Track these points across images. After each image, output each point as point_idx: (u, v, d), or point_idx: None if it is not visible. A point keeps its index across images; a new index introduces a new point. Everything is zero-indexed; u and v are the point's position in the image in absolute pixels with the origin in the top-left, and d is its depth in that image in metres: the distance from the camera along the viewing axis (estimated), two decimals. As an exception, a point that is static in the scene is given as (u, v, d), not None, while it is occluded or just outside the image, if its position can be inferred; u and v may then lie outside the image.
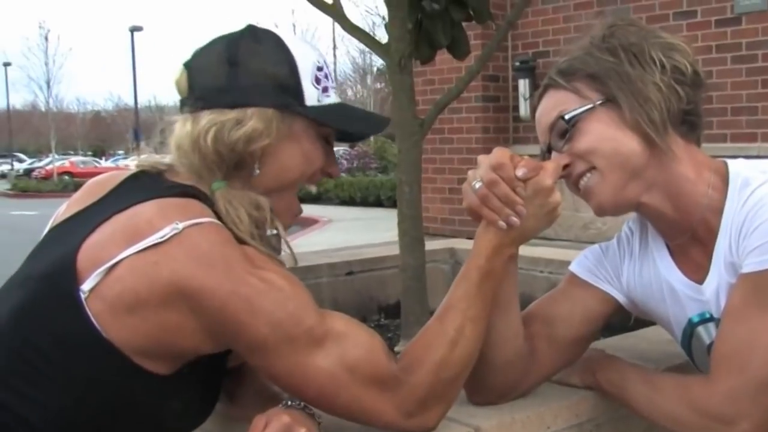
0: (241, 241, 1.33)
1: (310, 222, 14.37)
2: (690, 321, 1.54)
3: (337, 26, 2.94)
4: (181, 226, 1.25)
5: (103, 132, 70.87)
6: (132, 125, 47.33)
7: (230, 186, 1.38)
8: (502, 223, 1.39)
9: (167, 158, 1.44)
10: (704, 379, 1.43)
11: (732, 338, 1.38)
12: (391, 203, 14.66)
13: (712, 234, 1.45)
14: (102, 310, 1.24)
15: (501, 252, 1.43)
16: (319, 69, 1.44)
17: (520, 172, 1.38)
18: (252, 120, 1.37)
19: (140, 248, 1.24)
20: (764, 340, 1.34)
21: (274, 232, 1.43)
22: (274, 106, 1.39)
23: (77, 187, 1.61)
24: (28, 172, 45.04)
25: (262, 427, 1.28)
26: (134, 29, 42.09)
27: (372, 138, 21.35)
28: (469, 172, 1.42)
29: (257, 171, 1.40)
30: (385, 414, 1.35)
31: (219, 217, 1.34)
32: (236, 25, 1.47)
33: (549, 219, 1.44)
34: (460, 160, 8.21)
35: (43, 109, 48.06)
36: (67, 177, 36.43)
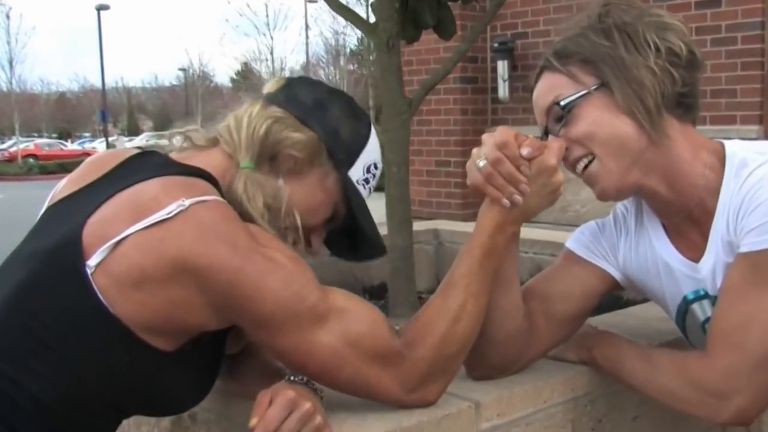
0: (246, 220, 1.37)
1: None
2: (685, 298, 1.59)
3: (310, 7, 2.96)
4: (187, 203, 1.28)
5: (68, 113, 70.17)
6: (99, 106, 46.89)
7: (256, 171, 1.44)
8: (506, 201, 1.44)
9: (198, 136, 1.51)
10: (701, 354, 1.47)
11: (730, 315, 1.43)
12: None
13: (708, 214, 1.49)
14: (108, 285, 1.27)
15: (504, 230, 1.47)
16: (375, 167, 1.56)
17: (524, 151, 1.43)
18: (305, 137, 1.47)
19: (146, 224, 1.27)
20: (761, 318, 1.39)
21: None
22: (327, 147, 1.49)
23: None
24: (-10, 154, 44.51)
25: (267, 403, 1.31)
26: (101, 8, 41.55)
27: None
28: (473, 150, 1.46)
29: (280, 181, 1.46)
30: (387, 388, 1.40)
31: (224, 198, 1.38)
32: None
33: (551, 198, 1.49)
34: (438, 142, 8.25)
35: (5, 89, 47.43)
36: (31, 160, 36.09)
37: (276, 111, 1.48)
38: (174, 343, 1.35)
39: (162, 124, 60.49)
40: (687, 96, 1.49)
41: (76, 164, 1.57)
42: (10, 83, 42.74)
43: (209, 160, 1.44)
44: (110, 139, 44.69)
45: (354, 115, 1.56)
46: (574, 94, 1.47)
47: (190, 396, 1.47)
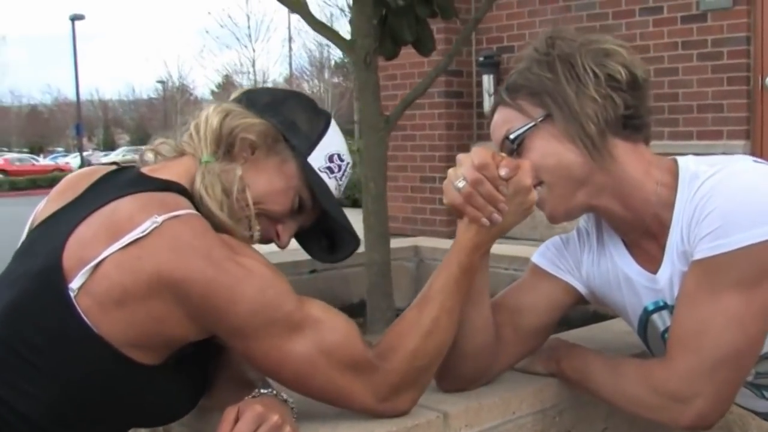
0: (219, 230, 1.47)
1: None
2: (645, 309, 1.69)
3: (293, 18, 3.06)
4: (160, 219, 1.38)
5: (40, 127, 69.90)
6: (73, 120, 46.75)
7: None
8: (485, 220, 1.54)
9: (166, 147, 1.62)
10: (662, 361, 1.57)
11: (687, 321, 1.52)
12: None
13: (664, 228, 1.59)
14: (91, 306, 1.36)
15: (480, 248, 1.58)
16: (340, 158, 1.68)
17: (503, 172, 1.53)
18: (257, 121, 1.59)
19: (123, 244, 1.37)
20: (716, 322, 1.48)
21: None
22: (283, 133, 1.61)
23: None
24: (-40, 170, 44.31)
25: (233, 418, 1.38)
26: (75, 18, 41.63)
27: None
28: (450, 171, 1.55)
29: (239, 171, 1.55)
30: (359, 397, 1.49)
31: (198, 209, 1.48)
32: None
33: (525, 215, 1.60)
34: (422, 158, 8.33)
35: (-25, 102, 47.29)
36: (1, 175, 35.91)
37: (229, 105, 1.62)
38: (158, 357, 1.45)
39: (139, 138, 60.40)
40: (633, 117, 1.59)
41: (48, 180, 1.69)
42: (-20, 96, 42.63)
43: (178, 169, 1.55)
44: (85, 154, 44.54)
45: (311, 109, 1.69)
46: (522, 127, 1.60)
47: (178, 406, 1.57)
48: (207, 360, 1.59)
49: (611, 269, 1.73)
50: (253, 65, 38.58)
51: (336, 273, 3.71)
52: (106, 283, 1.36)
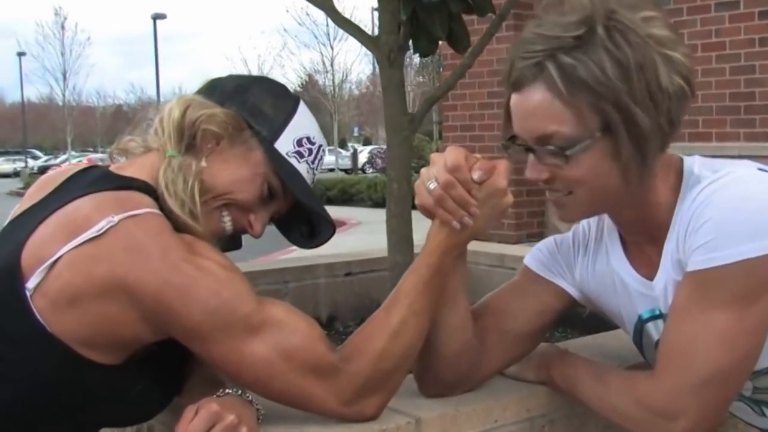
0: (180, 229, 1.50)
1: (337, 224, 14.44)
2: (640, 317, 1.66)
3: (376, 15, 3.08)
4: (116, 218, 1.41)
5: (125, 127, 71.41)
6: (155, 120, 47.62)
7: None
8: (456, 224, 1.53)
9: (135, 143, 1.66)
10: (649, 375, 1.54)
11: (676, 336, 1.49)
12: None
13: (663, 231, 1.56)
14: (45, 306, 1.40)
15: (452, 250, 1.57)
16: (310, 141, 1.68)
17: (476, 175, 1.52)
18: (218, 110, 1.60)
19: (78, 243, 1.40)
20: (705, 338, 1.45)
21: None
22: (246, 119, 1.62)
23: None
24: (42, 170, 45.65)
25: (191, 417, 1.41)
26: (157, 17, 42.65)
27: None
28: (422, 171, 1.54)
29: (204, 163, 1.58)
30: (322, 401, 1.50)
31: (161, 207, 1.51)
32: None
33: (500, 218, 1.60)
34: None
35: (59, 102, 48.84)
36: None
37: (189, 96, 1.63)
38: (116, 357, 1.48)
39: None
40: (676, 131, 1.50)
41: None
42: (64, 96, 43.99)
43: (144, 164, 1.58)
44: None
45: (279, 93, 1.70)
46: (578, 141, 1.43)
47: (145, 406, 1.60)
48: (178, 359, 1.61)
49: (606, 272, 1.70)
50: (332, 64, 38.80)
51: (372, 275, 3.73)
52: (59, 282, 1.40)
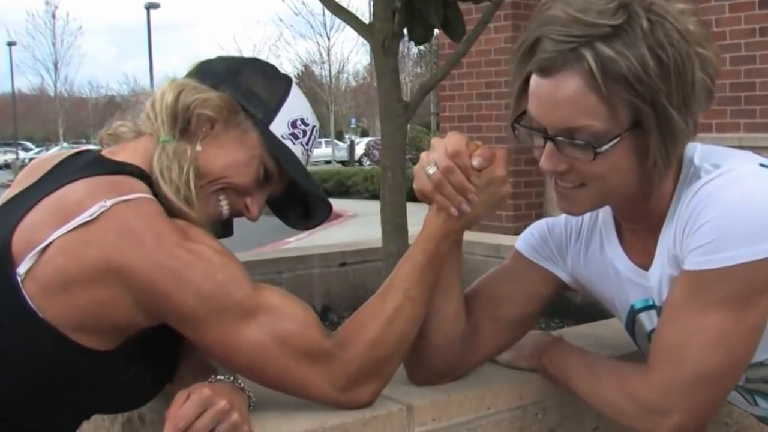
0: (174, 215, 1.51)
1: (333, 216, 14.47)
2: (632, 307, 1.66)
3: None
4: (109, 203, 1.42)
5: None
6: (148, 110, 47.52)
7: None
8: (453, 210, 1.54)
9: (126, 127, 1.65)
10: (641, 369, 1.54)
11: (670, 332, 1.49)
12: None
13: (660, 221, 1.55)
14: (36, 291, 1.41)
15: (449, 237, 1.58)
16: (303, 122, 1.69)
17: (476, 162, 1.52)
18: (213, 95, 1.60)
19: (70, 228, 1.41)
20: (700, 338, 1.45)
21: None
22: (239, 102, 1.63)
23: None
24: (34, 162, 45.41)
25: (182, 401, 1.42)
26: (150, 6, 42.56)
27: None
28: (422, 155, 1.55)
29: (199, 147, 1.59)
30: (316, 387, 1.51)
31: (155, 192, 1.52)
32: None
33: (497, 206, 1.60)
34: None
35: (51, 93, 48.78)
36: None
37: (182, 81, 1.64)
38: (109, 343, 1.48)
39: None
40: (697, 130, 1.47)
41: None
42: (55, 86, 43.90)
43: (137, 149, 1.58)
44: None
45: (270, 75, 1.71)
46: (609, 137, 1.39)
47: (137, 393, 1.61)
48: (170, 345, 1.63)
49: (600, 259, 1.70)
50: (329, 54, 38.75)
51: (367, 266, 3.73)
52: (51, 267, 1.40)
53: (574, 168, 1.45)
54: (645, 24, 1.34)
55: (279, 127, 1.66)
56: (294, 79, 1.75)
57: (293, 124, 1.67)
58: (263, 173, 1.65)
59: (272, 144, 1.64)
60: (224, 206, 1.64)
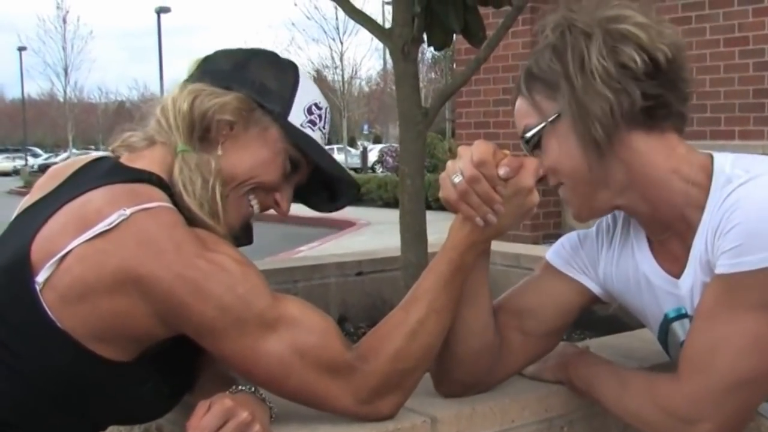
0: (194, 224, 1.51)
1: (346, 224, 14.54)
2: (666, 316, 1.66)
3: (387, 8, 3.08)
4: (128, 212, 1.42)
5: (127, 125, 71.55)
6: (158, 117, 47.71)
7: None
8: (479, 220, 1.53)
9: (138, 136, 1.64)
10: (671, 378, 1.54)
11: (700, 339, 1.50)
12: (439, 205, 14.74)
13: (691, 229, 1.55)
14: (55, 300, 1.41)
15: (474, 247, 1.58)
16: (317, 107, 1.69)
17: (502, 171, 1.52)
18: (229, 97, 1.59)
19: (89, 237, 1.41)
20: (730, 343, 1.45)
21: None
22: (255, 100, 1.61)
23: None
24: (43, 168, 45.54)
25: (203, 412, 1.42)
26: (161, 10, 42.75)
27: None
28: (448, 163, 1.55)
29: (220, 152, 1.59)
30: (337, 400, 1.51)
31: (175, 202, 1.52)
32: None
33: (525, 217, 1.60)
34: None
35: (60, 98, 49.00)
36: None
37: (196, 86, 1.61)
38: (127, 353, 1.49)
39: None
40: (656, 107, 1.52)
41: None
42: (65, 92, 44.08)
43: (154, 157, 1.58)
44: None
45: (276, 64, 1.70)
46: (536, 126, 1.58)
47: (154, 404, 1.61)
48: (190, 356, 1.63)
49: (632, 270, 1.70)
50: (341, 59, 38.78)
51: (385, 275, 3.73)
52: (69, 276, 1.41)
53: (548, 169, 1.59)
54: (549, 31, 1.57)
55: (296, 116, 1.66)
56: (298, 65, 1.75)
57: (309, 111, 1.68)
58: (289, 166, 1.66)
59: (294, 135, 1.64)
60: (255, 205, 1.66)
